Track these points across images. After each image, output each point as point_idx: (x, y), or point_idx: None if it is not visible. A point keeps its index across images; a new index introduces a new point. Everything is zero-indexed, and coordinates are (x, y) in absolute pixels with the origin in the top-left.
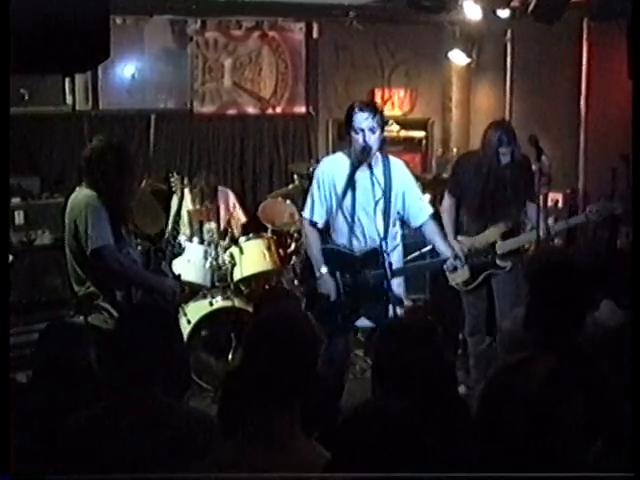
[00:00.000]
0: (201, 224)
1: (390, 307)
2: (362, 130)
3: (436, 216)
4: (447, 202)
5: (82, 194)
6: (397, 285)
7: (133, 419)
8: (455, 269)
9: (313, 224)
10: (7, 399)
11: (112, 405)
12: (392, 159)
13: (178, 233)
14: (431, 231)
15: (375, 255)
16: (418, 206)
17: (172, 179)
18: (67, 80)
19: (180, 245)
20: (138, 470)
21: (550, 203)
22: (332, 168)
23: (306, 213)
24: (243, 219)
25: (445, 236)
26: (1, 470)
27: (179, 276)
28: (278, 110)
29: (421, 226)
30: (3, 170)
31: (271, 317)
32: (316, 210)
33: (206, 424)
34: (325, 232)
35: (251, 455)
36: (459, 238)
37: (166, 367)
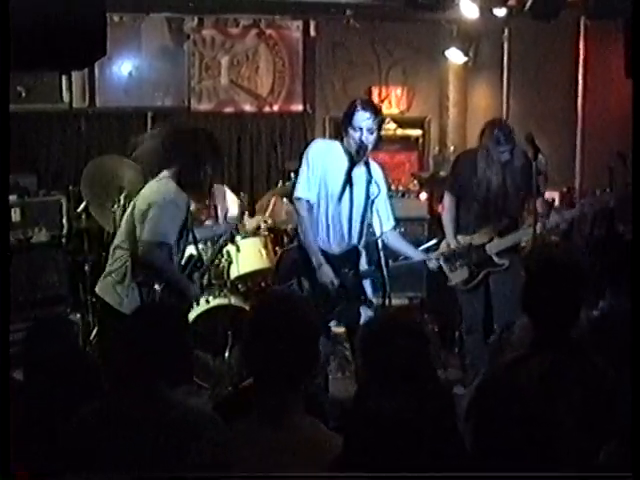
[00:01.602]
0: (200, 223)
1: (363, 307)
2: (361, 129)
3: (433, 215)
4: (447, 201)
5: (174, 187)
6: (367, 285)
7: (137, 415)
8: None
9: (305, 200)
10: (7, 399)
11: (116, 401)
12: (372, 163)
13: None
14: (396, 238)
15: (353, 254)
16: (387, 214)
17: None
18: (64, 78)
19: (209, 268)
20: (142, 468)
21: (549, 202)
22: (326, 153)
23: (300, 192)
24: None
25: (413, 246)
26: (1, 470)
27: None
28: (275, 108)
29: (386, 232)
30: (3, 169)
31: (274, 300)
32: (306, 187)
33: (211, 422)
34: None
35: (261, 435)
36: (458, 237)
37: (173, 363)
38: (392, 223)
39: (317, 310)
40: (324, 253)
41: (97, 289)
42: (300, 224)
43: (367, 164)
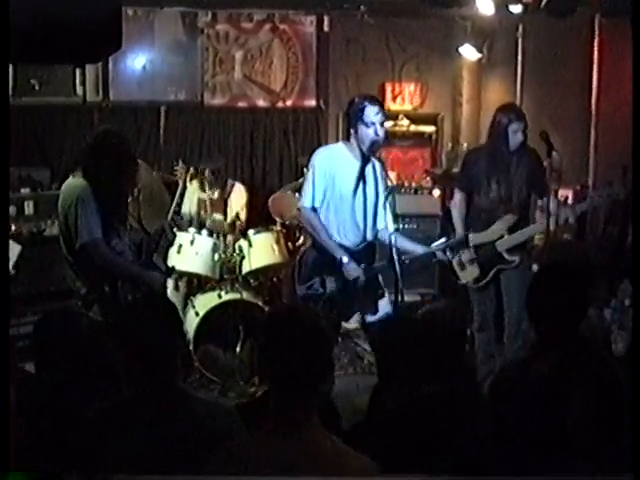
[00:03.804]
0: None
1: (385, 300)
2: (373, 124)
3: (446, 212)
4: (457, 197)
5: (73, 184)
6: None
7: (154, 410)
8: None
9: (314, 210)
10: (7, 398)
11: (132, 396)
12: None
13: (175, 223)
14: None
15: (369, 250)
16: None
17: (176, 167)
18: (78, 71)
19: (174, 235)
20: (156, 463)
21: (560, 199)
22: (331, 159)
23: (307, 201)
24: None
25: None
26: (1, 470)
27: (172, 268)
28: (288, 103)
29: (381, 230)
30: (3, 163)
31: (286, 310)
32: (314, 197)
33: (226, 415)
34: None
35: (272, 446)
36: (469, 235)
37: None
38: (389, 222)
39: (337, 307)
40: (343, 248)
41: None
42: (311, 228)
43: (379, 160)
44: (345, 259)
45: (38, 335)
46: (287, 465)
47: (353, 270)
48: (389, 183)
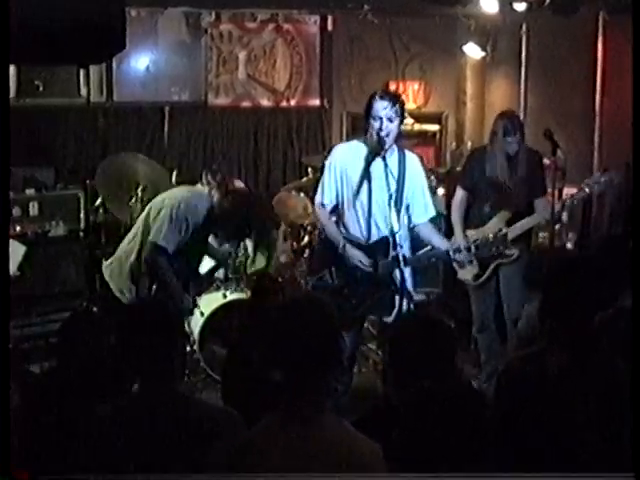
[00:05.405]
0: None
1: (397, 299)
2: (380, 118)
3: (449, 210)
4: (458, 195)
5: (197, 192)
6: (407, 277)
7: (154, 413)
8: (459, 261)
9: (323, 206)
10: (7, 399)
11: (133, 400)
12: (408, 153)
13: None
14: (428, 231)
15: (385, 244)
16: (424, 204)
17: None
18: (82, 72)
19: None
20: (157, 466)
21: (565, 197)
22: (345, 155)
23: (318, 197)
24: None
25: (442, 236)
26: (1, 470)
27: (201, 311)
28: (292, 103)
29: (419, 225)
30: (3, 164)
31: (298, 299)
32: (326, 194)
33: (229, 420)
34: (337, 223)
35: (286, 433)
36: (467, 232)
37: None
38: (428, 215)
39: (349, 302)
40: (356, 245)
41: (103, 268)
42: (320, 223)
43: (400, 155)
44: (342, 245)
45: (62, 335)
46: (299, 453)
47: (354, 255)
48: (403, 179)
